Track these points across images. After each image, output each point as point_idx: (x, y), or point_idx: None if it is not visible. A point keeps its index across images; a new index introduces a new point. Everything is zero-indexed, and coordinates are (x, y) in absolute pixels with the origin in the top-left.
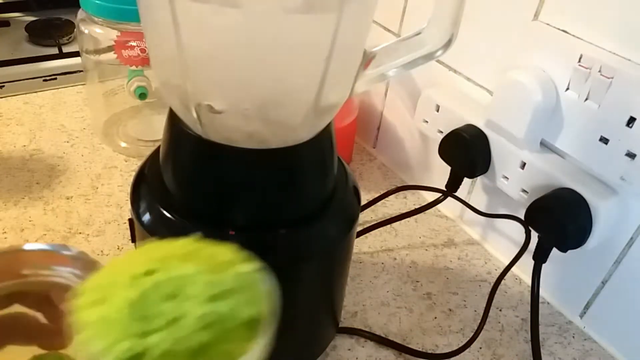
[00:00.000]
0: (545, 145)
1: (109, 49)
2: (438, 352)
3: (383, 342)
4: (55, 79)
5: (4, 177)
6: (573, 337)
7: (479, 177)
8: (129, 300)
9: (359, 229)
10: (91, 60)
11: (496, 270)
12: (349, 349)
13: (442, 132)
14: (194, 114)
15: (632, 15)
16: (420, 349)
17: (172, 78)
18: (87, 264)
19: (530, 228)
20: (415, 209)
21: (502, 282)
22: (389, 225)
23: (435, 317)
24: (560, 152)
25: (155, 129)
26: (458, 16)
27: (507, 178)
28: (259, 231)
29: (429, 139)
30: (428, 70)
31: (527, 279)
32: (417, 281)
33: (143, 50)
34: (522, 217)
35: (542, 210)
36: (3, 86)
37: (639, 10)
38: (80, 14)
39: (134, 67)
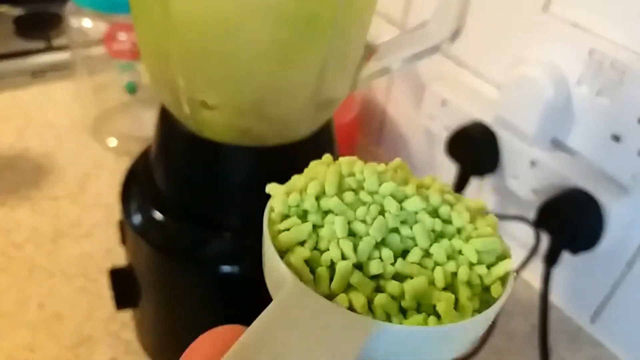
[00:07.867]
0: (555, 144)
1: (99, 42)
2: None
3: None
4: (44, 75)
5: None
6: (584, 343)
7: (487, 176)
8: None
9: None
10: (81, 54)
11: None
12: None
13: (448, 128)
14: (187, 110)
15: None
16: None
17: (164, 72)
18: None
19: (539, 230)
20: None
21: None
22: None
23: None
24: (570, 151)
25: (147, 125)
26: (464, 7)
27: (517, 177)
28: (255, 232)
29: (434, 136)
30: (433, 64)
31: (537, 284)
32: None
33: (134, 44)
34: (532, 218)
35: (552, 211)
36: None
37: None
38: (69, 6)
39: (124, 61)
